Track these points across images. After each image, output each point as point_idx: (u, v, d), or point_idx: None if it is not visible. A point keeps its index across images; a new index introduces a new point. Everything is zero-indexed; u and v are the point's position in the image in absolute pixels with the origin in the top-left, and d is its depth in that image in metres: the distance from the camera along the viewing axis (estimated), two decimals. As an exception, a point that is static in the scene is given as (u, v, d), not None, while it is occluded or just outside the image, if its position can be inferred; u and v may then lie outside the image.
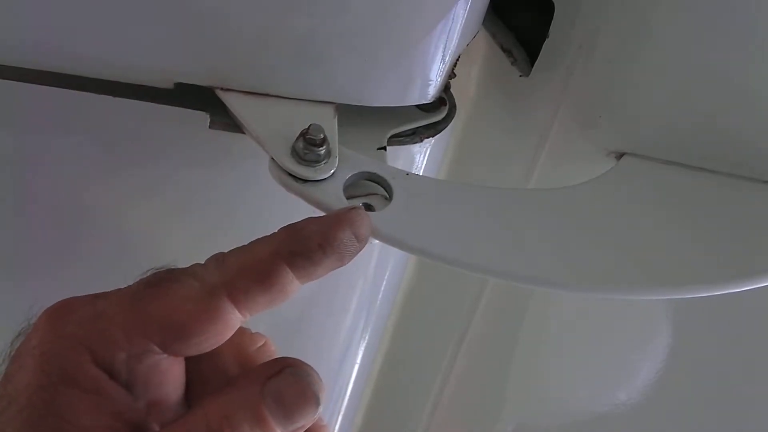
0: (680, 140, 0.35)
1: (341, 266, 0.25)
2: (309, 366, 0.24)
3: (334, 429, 0.52)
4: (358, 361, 0.49)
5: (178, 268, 0.24)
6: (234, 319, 0.23)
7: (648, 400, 0.50)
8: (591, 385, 0.52)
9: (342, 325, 0.45)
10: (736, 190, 0.35)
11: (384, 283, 0.46)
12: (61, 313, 0.23)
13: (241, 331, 0.27)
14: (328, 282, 0.41)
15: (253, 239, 0.25)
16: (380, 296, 0.47)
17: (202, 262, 0.24)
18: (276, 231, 0.25)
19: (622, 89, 0.35)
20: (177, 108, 0.30)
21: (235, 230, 0.37)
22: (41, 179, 0.33)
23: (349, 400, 0.52)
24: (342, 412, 0.52)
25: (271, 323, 0.41)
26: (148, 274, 0.24)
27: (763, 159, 0.35)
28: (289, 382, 0.23)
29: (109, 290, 0.23)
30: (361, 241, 0.25)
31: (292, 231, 0.24)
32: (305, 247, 0.24)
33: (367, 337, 0.48)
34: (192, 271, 0.24)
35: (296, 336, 0.43)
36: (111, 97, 0.29)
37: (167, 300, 0.23)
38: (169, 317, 0.22)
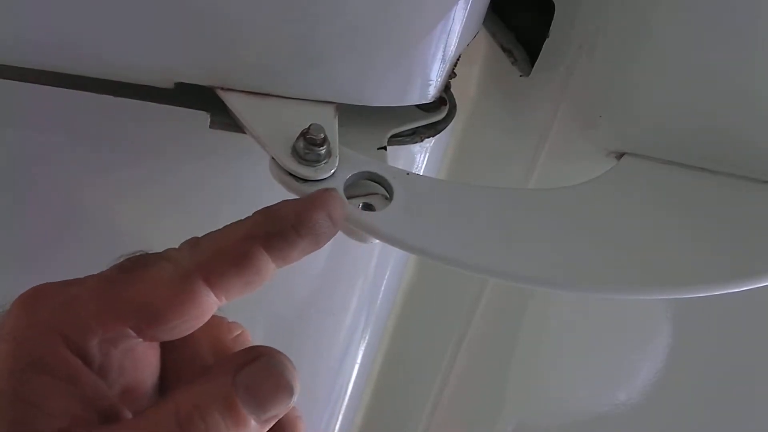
0: (680, 140, 0.35)
1: (316, 249, 0.25)
2: (283, 354, 0.24)
3: (334, 429, 0.52)
4: (358, 360, 0.49)
5: (152, 253, 0.24)
6: (210, 303, 0.23)
7: (648, 400, 0.50)
8: (591, 385, 0.52)
9: (342, 325, 0.45)
10: (736, 190, 0.35)
11: (384, 282, 0.46)
12: (34, 299, 0.22)
13: (219, 320, 0.27)
14: (327, 282, 0.42)
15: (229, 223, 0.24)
16: (380, 296, 0.47)
17: (178, 246, 0.24)
18: (252, 214, 0.24)
19: (623, 89, 0.35)
20: (177, 107, 0.30)
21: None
22: (41, 177, 0.33)
23: (349, 399, 0.51)
24: (342, 412, 0.52)
25: (271, 323, 0.42)
26: (121, 259, 0.24)
27: (763, 159, 0.35)
28: (262, 371, 0.23)
29: (83, 276, 0.23)
30: (336, 224, 0.25)
31: (266, 212, 0.24)
32: (280, 228, 0.23)
33: (367, 337, 0.48)
34: (166, 255, 0.23)
35: (296, 336, 0.43)
36: (112, 97, 0.29)
37: (141, 284, 0.22)
38: (144, 301, 0.22)
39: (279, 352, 0.24)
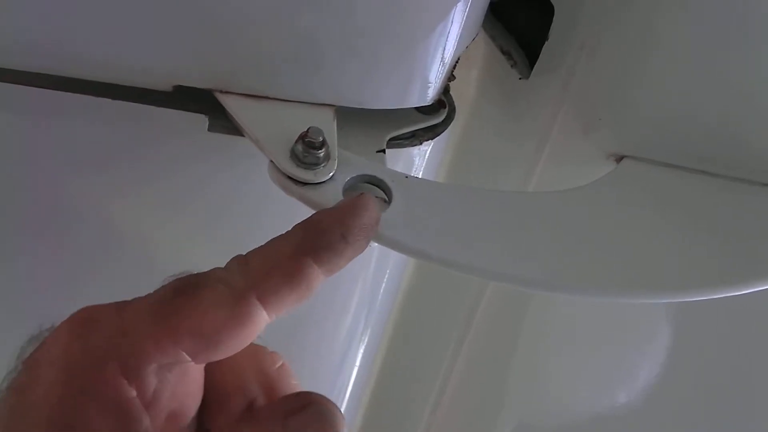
0: (680, 143, 0.35)
1: (360, 253, 0.25)
2: (332, 403, 0.24)
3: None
4: (358, 362, 0.49)
5: (202, 274, 0.23)
6: (262, 321, 0.23)
7: (648, 401, 0.50)
8: (591, 385, 0.52)
9: (342, 326, 0.45)
10: (736, 193, 0.35)
11: (384, 284, 0.46)
12: (86, 324, 0.22)
13: (262, 350, 0.27)
14: (327, 283, 0.41)
15: (270, 239, 0.24)
16: (380, 297, 0.47)
17: (223, 266, 0.24)
18: (292, 228, 0.24)
19: (623, 92, 0.35)
20: (176, 111, 0.30)
21: (235, 231, 0.37)
22: (40, 181, 0.33)
23: (349, 400, 0.52)
24: (342, 412, 0.52)
25: (271, 324, 0.42)
26: (169, 280, 0.24)
27: (763, 162, 0.35)
28: (312, 419, 0.23)
29: (131, 299, 0.23)
30: (377, 224, 0.26)
31: (311, 225, 0.24)
32: (329, 240, 0.24)
33: (366, 339, 0.48)
34: (217, 276, 0.23)
35: (296, 337, 0.43)
36: (110, 100, 0.29)
37: (197, 307, 0.22)
38: (200, 325, 0.22)
39: (328, 400, 0.24)
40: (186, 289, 0.23)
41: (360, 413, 0.62)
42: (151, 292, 0.23)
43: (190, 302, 0.22)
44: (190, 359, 0.22)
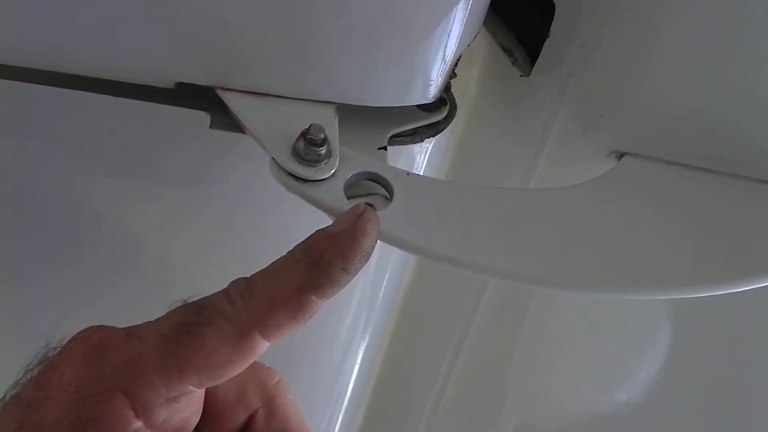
0: (681, 140, 0.35)
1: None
2: None
3: (335, 428, 0.52)
4: (359, 360, 0.49)
5: (206, 306, 0.24)
6: (263, 350, 0.24)
7: (648, 400, 0.50)
8: (591, 385, 0.52)
9: (342, 325, 0.45)
10: (737, 190, 0.35)
11: (384, 282, 0.46)
12: (98, 351, 0.23)
13: (260, 365, 0.28)
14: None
15: (273, 264, 0.25)
16: (381, 296, 0.47)
17: (227, 294, 0.24)
18: (294, 254, 0.25)
19: (623, 89, 0.35)
20: (178, 108, 0.30)
21: (238, 229, 0.37)
22: (40, 180, 0.33)
23: (349, 399, 0.52)
24: (343, 412, 0.52)
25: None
26: (177, 304, 0.25)
27: (763, 159, 0.35)
28: None
29: (141, 324, 0.24)
30: (376, 239, 0.26)
31: (314, 258, 0.24)
32: (331, 276, 0.24)
33: (367, 337, 0.48)
34: (221, 310, 0.24)
35: (297, 336, 0.43)
36: (111, 97, 0.29)
37: (203, 346, 0.23)
38: (207, 363, 0.23)
39: None
40: (191, 328, 0.23)
41: (361, 412, 0.62)
42: (158, 318, 0.24)
43: (196, 341, 0.23)
44: (195, 390, 0.24)
